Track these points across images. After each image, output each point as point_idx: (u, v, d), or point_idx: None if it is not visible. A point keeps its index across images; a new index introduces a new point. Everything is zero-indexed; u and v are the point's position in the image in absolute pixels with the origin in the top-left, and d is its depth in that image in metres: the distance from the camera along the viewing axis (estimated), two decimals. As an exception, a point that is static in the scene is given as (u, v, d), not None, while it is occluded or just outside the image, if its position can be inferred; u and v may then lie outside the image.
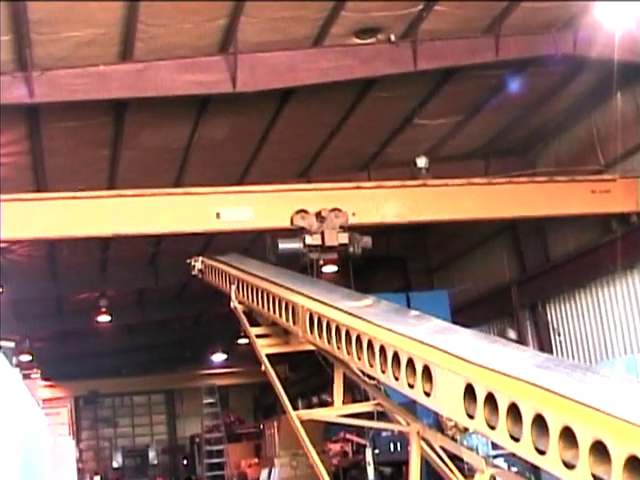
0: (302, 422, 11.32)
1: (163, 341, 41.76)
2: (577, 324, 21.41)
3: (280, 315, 12.08)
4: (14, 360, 19.38)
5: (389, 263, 30.38)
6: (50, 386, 38.13)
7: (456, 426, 17.14)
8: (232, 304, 14.77)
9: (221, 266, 16.26)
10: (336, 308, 10.28)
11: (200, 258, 17.88)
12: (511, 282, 23.99)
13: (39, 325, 33.32)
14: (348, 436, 26.26)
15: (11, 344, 17.05)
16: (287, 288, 12.30)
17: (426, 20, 15.36)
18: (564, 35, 16.42)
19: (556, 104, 19.82)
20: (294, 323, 11.44)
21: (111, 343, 38.78)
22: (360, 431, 23.33)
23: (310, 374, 38.52)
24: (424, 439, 9.73)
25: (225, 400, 46.59)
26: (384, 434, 20.43)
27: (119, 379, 46.94)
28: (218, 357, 44.82)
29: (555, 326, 22.31)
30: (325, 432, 26.89)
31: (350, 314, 9.75)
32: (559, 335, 22.08)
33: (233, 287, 14.79)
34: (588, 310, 20.86)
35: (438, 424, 17.00)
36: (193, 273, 18.04)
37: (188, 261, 18.13)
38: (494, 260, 25.19)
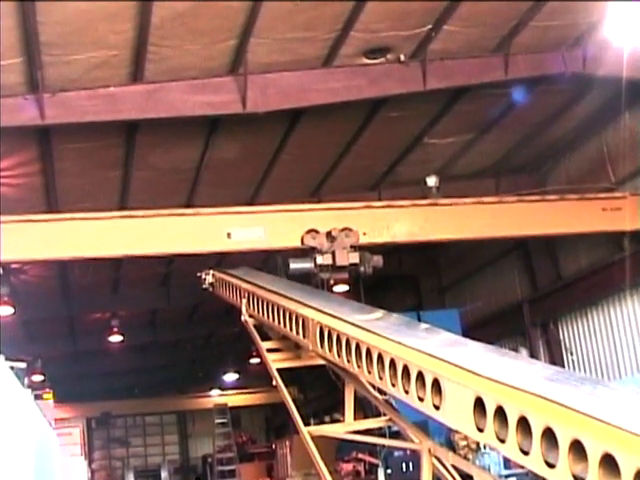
0: (314, 440, 11.32)
1: (175, 361, 41.77)
2: (589, 342, 21.36)
3: (290, 328, 12.05)
4: (26, 381, 19.40)
5: (401, 282, 30.41)
6: (61, 406, 38.10)
7: (468, 446, 17.12)
8: (243, 318, 14.78)
9: (232, 279, 16.26)
10: (346, 321, 10.25)
11: (211, 271, 17.89)
12: (523, 300, 23.96)
13: (51, 345, 33.37)
14: (360, 456, 26.17)
15: (23, 365, 17.05)
16: (297, 301, 12.30)
17: (435, 40, 15.39)
18: (573, 53, 16.45)
19: (566, 122, 19.82)
20: (304, 336, 11.41)
21: (123, 363, 38.79)
22: (372, 450, 23.27)
23: (321, 395, 38.48)
24: (436, 457, 9.73)
25: (237, 420, 46.54)
26: (396, 454, 20.37)
27: (131, 401, 46.87)
28: (230, 377, 44.77)
29: (567, 344, 22.26)
30: (337, 452, 26.84)
31: (360, 327, 9.72)
32: (571, 354, 22.03)
33: (244, 300, 14.79)
34: (600, 328, 20.81)
35: (450, 443, 16.97)
36: (204, 287, 18.06)
37: (199, 274, 18.14)
38: (505, 278, 25.18)
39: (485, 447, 17.31)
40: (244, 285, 15.20)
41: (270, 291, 13.76)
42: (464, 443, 17.33)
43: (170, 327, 34.49)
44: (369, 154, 20.26)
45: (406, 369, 7.98)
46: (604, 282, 19.97)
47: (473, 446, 17.39)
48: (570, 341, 22.18)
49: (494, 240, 20.36)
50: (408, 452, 18.49)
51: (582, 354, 21.68)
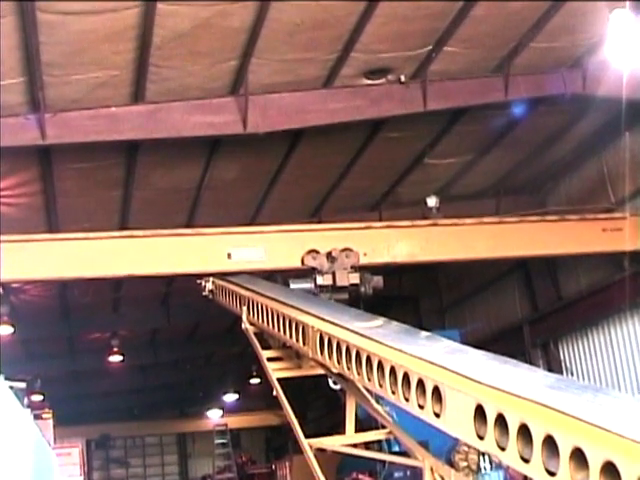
0: (315, 456, 11.31)
1: (175, 381, 41.69)
2: (589, 362, 21.32)
3: (290, 336, 11.99)
4: (25, 400, 19.34)
5: (401, 303, 30.34)
6: (60, 428, 37.92)
7: (469, 466, 17.04)
8: (243, 325, 14.73)
9: (232, 287, 16.18)
10: (346, 329, 10.19)
11: (211, 278, 17.85)
12: (523, 321, 23.91)
13: (50, 365, 33.29)
14: (360, 476, 26.08)
15: (22, 385, 17.02)
16: (298, 309, 12.25)
17: (435, 61, 15.45)
18: (573, 74, 16.48)
19: (566, 143, 19.85)
20: (304, 344, 11.35)
21: (123, 384, 38.72)
22: (372, 471, 23.19)
23: (319, 416, 38.34)
24: (439, 475, 9.71)
25: (237, 440, 46.38)
26: (396, 474, 20.28)
27: (130, 423, 46.74)
28: (230, 397, 44.65)
29: (568, 364, 22.21)
30: (337, 472, 26.75)
31: (360, 335, 9.67)
32: (572, 374, 21.98)
33: (244, 308, 14.75)
34: (600, 349, 20.77)
35: (450, 464, 16.88)
36: (204, 294, 17.99)
37: (199, 281, 18.09)
38: (506, 299, 25.14)
39: (485, 468, 17.24)
40: (244, 292, 15.12)
41: (270, 298, 13.71)
42: (464, 464, 17.25)
43: (170, 347, 34.45)
44: (369, 174, 20.28)
45: (406, 376, 7.94)
46: (604, 302, 19.94)
47: (474, 467, 17.31)
48: (571, 361, 22.13)
49: (494, 260, 20.34)
50: (408, 473, 18.43)
51: (583, 374, 21.62)
